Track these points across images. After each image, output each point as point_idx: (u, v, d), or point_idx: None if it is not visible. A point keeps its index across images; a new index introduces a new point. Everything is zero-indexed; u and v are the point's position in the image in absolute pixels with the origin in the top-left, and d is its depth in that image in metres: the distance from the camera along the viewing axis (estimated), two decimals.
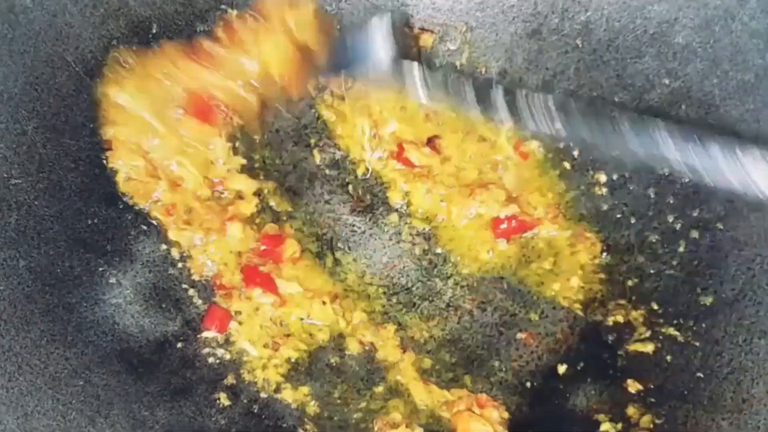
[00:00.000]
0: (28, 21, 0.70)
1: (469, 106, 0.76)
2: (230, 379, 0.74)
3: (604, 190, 0.80)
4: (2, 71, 0.69)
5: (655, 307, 0.75)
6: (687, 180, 0.75)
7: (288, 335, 0.76)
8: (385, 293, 0.80)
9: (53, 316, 0.68)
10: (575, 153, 0.82)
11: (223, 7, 0.80)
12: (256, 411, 0.73)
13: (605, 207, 0.80)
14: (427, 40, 0.86)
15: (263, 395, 0.74)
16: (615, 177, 0.80)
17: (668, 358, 0.72)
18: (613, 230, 0.80)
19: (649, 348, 0.74)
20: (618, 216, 0.80)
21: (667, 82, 0.77)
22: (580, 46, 0.80)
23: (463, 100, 0.76)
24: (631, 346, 0.75)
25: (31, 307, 0.67)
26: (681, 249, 0.76)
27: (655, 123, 0.67)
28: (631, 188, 0.79)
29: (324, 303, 0.77)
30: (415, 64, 0.77)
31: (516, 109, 0.73)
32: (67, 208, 0.72)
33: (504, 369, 0.76)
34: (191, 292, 0.77)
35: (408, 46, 0.84)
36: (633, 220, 0.79)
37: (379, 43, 0.77)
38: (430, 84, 0.76)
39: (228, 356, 0.74)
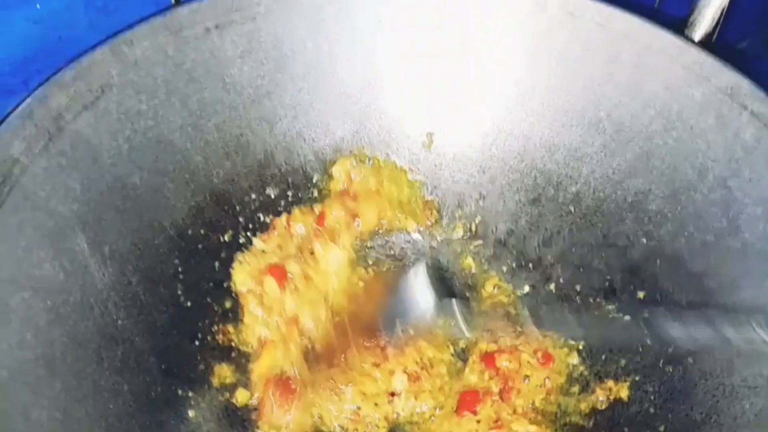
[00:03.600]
0: (136, 195, 0.81)
1: (504, 327, 0.85)
2: None
3: None
4: (115, 235, 0.79)
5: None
6: None
7: None
8: None
9: (148, 431, 0.76)
10: None
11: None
12: None
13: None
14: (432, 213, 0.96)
15: None
16: None
17: None
18: (603, 366, 0.85)
19: None
20: (609, 354, 0.86)
21: (644, 241, 0.84)
22: (573, 211, 0.90)
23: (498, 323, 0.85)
24: None
25: (132, 422, 0.74)
26: (657, 382, 0.81)
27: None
28: None
29: None
30: (454, 301, 0.79)
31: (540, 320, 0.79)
32: (160, 343, 0.81)
33: None
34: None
35: (443, 286, 0.87)
36: (620, 358, 0.85)
37: (420, 293, 0.79)
38: (469, 316, 0.80)
39: None
